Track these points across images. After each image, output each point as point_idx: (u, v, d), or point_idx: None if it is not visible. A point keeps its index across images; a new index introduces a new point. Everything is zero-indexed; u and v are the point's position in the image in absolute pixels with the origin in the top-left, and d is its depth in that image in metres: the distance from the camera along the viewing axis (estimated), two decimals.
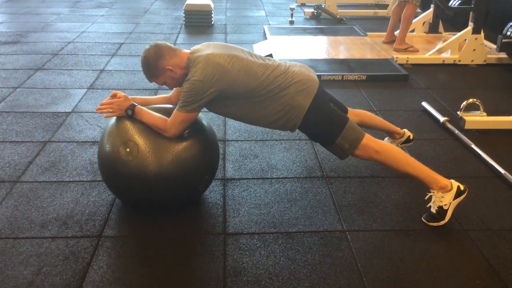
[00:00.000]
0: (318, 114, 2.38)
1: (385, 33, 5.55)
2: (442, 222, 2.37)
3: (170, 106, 2.47)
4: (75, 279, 2.02)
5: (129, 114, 2.33)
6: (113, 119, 2.41)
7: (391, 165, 2.42)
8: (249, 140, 3.29)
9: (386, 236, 2.33)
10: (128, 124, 2.33)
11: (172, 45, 2.41)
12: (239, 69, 2.28)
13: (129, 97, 2.40)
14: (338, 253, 2.21)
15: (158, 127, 2.28)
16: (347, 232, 2.36)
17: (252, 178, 2.82)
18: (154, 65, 2.34)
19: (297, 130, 2.47)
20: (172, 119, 2.27)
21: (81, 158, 2.99)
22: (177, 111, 2.27)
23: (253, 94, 2.32)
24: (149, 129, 2.30)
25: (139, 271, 2.09)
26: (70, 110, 3.69)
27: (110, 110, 2.35)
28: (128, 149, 2.26)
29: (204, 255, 2.19)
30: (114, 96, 2.38)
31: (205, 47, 2.38)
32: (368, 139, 2.40)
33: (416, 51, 5.12)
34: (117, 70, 4.62)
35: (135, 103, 2.36)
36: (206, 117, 2.58)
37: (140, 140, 2.27)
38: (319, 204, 2.58)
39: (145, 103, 2.48)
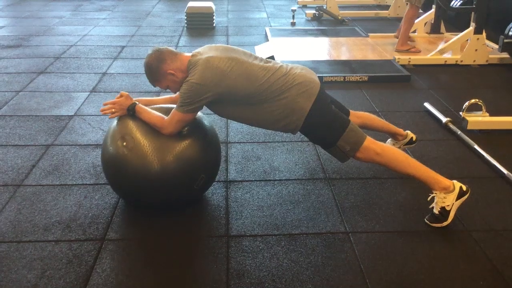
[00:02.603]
0: (319, 116, 2.37)
1: (386, 34, 5.54)
2: (445, 223, 2.37)
3: (173, 106, 2.50)
4: (78, 282, 2.03)
5: (130, 113, 2.39)
6: (115, 122, 2.45)
7: (392, 167, 2.41)
8: (251, 142, 3.29)
9: (389, 237, 2.33)
10: (129, 123, 2.38)
11: (173, 49, 2.43)
12: (238, 73, 2.29)
13: (136, 98, 2.46)
14: (341, 254, 2.21)
15: (156, 125, 2.33)
16: (350, 234, 2.36)
17: (254, 180, 2.82)
18: (156, 69, 2.37)
19: (299, 132, 2.47)
20: (170, 117, 2.31)
21: (84, 161, 3.00)
22: (175, 111, 2.31)
23: (253, 98, 2.32)
24: (149, 129, 2.34)
25: (142, 274, 2.09)
26: (72, 114, 3.70)
27: (113, 110, 2.42)
28: (124, 143, 2.31)
29: (207, 257, 2.20)
30: (120, 96, 2.44)
31: (206, 50, 2.39)
32: (369, 142, 2.39)
33: (418, 51, 5.11)
34: (120, 73, 4.63)
35: (136, 102, 2.41)
36: (208, 118, 2.60)
37: (141, 138, 2.32)
38: (321, 205, 2.58)
39: (150, 104, 2.53)
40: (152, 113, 2.36)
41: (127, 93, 2.44)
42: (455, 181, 2.39)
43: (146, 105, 2.46)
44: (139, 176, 2.31)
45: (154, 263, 2.15)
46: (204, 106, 2.35)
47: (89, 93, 4.12)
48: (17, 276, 2.06)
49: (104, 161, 2.45)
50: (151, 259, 2.19)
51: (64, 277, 2.05)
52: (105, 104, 2.45)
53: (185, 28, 6.40)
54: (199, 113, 2.51)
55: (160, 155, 2.31)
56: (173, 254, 2.22)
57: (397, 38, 5.41)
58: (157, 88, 4.09)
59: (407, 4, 5.19)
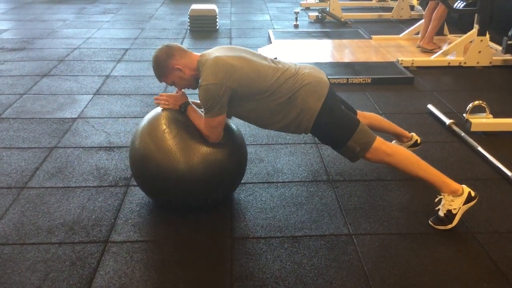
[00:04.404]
0: (329, 116, 2.37)
1: (389, 36, 5.53)
2: (449, 226, 2.36)
3: None
4: (82, 285, 2.03)
5: (182, 110, 2.44)
6: (143, 122, 2.49)
7: (402, 168, 2.40)
8: (254, 144, 3.29)
9: (392, 239, 2.32)
10: (160, 122, 2.41)
11: (183, 47, 2.45)
12: (248, 69, 2.30)
13: (191, 100, 2.52)
14: (344, 257, 2.21)
15: (202, 131, 2.37)
16: (353, 236, 2.35)
17: (257, 182, 2.82)
18: (164, 63, 2.39)
19: (302, 134, 2.47)
20: (205, 126, 2.34)
21: (88, 163, 3.00)
22: (205, 119, 2.32)
23: (264, 96, 2.32)
24: (180, 130, 2.37)
25: (145, 276, 2.09)
26: (76, 116, 3.71)
27: (166, 103, 2.45)
28: (167, 129, 2.37)
29: (210, 259, 2.19)
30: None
31: (214, 50, 2.41)
32: (380, 142, 2.38)
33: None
34: (123, 76, 4.64)
35: (190, 102, 2.46)
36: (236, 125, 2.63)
37: (171, 138, 2.35)
38: (325, 207, 2.58)
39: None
40: (202, 117, 2.38)
41: (184, 91, 2.51)
42: (464, 186, 2.38)
43: (198, 107, 2.49)
44: (163, 174, 2.34)
45: (157, 266, 2.15)
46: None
47: (92, 95, 4.13)
48: (20, 278, 2.06)
49: (135, 162, 2.47)
50: (154, 261, 2.19)
51: (67, 280, 2.05)
52: (161, 95, 2.49)
53: (188, 31, 6.41)
54: (228, 122, 2.56)
55: (189, 156, 2.33)
56: (176, 256, 2.22)
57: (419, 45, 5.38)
58: (160, 90, 4.10)
59: (421, 5, 5.15)
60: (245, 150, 2.61)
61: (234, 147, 2.50)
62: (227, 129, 2.50)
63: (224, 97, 2.26)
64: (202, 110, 2.39)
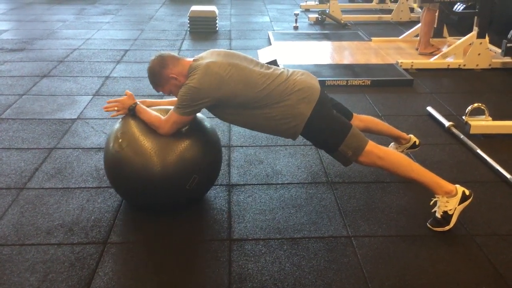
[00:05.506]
0: (320, 121, 2.38)
1: (389, 38, 5.53)
2: (447, 227, 2.37)
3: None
4: (81, 286, 2.03)
5: (131, 113, 2.44)
6: (117, 124, 2.50)
7: (395, 171, 2.41)
8: (253, 146, 3.29)
9: (391, 241, 2.33)
10: (130, 123, 2.43)
11: (176, 55, 2.48)
12: (237, 79, 2.32)
13: (141, 100, 2.53)
14: (343, 259, 2.21)
15: (153, 124, 2.36)
16: (352, 238, 2.35)
17: (257, 184, 2.82)
18: (159, 74, 2.42)
19: (301, 136, 2.47)
20: (167, 117, 2.35)
21: (87, 164, 3.00)
22: (172, 112, 2.34)
23: (252, 103, 2.35)
24: (148, 129, 2.37)
25: (144, 277, 2.09)
26: (75, 117, 3.71)
27: (116, 109, 2.47)
28: (120, 140, 2.37)
29: (209, 261, 2.20)
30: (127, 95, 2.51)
31: (208, 55, 2.43)
32: (372, 146, 2.39)
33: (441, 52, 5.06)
34: (123, 77, 4.65)
35: (138, 102, 2.46)
36: (210, 121, 2.61)
37: (139, 137, 2.36)
38: (324, 209, 2.58)
39: (154, 105, 2.57)
40: (151, 113, 2.40)
41: (131, 93, 2.50)
42: (457, 186, 2.38)
43: (150, 106, 2.51)
44: (137, 175, 2.34)
45: (156, 267, 2.15)
46: (204, 109, 2.40)
47: (92, 96, 4.14)
48: (19, 279, 2.06)
49: (105, 160, 2.50)
50: (153, 262, 2.19)
51: (66, 281, 2.05)
52: (108, 102, 2.50)
53: (188, 32, 6.42)
54: (200, 115, 2.55)
55: (158, 154, 2.33)
56: (176, 257, 2.22)
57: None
58: (161, 93, 4.10)
59: (421, 8, 5.16)
60: (218, 148, 2.60)
61: (206, 145, 2.49)
62: (200, 127, 2.51)
63: (202, 105, 2.32)
64: (153, 108, 2.48)
